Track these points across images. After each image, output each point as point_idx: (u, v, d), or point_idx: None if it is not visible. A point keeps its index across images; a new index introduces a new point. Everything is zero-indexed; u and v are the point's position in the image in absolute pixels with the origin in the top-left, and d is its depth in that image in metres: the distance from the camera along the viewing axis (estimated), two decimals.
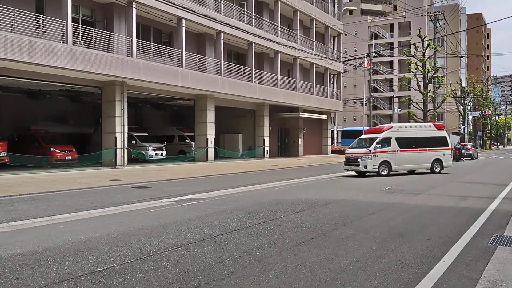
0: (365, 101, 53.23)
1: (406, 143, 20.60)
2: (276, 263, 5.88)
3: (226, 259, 6.01)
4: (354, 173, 20.84)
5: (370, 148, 20.05)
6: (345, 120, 73.05)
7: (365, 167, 19.90)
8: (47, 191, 13.51)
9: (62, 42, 19.46)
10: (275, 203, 11.45)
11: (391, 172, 20.27)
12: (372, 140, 20.56)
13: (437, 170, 21.36)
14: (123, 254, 6.27)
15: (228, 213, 9.78)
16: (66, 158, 22.68)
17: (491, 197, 13.02)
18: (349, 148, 22.12)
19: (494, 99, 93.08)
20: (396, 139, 20.39)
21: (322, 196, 13.10)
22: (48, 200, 11.83)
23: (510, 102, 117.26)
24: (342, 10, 47.38)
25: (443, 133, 21.91)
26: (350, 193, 14.01)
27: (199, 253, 6.32)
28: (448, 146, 21.79)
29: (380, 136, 20.43)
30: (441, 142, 21.63)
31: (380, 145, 20.14)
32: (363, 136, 21.88)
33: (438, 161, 21.38)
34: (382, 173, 19.98)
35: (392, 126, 21.38)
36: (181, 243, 6.90)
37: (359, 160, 20.02)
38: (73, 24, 20.24)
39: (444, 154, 21.53)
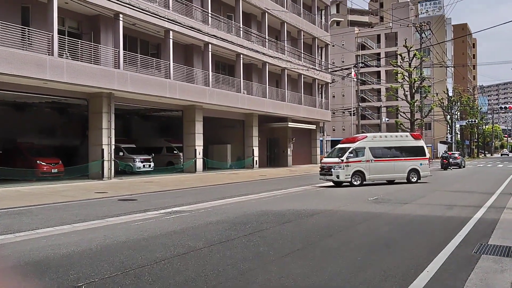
0: (353, 111, 53.54)
1: (380, 152, 20.49)
2: (259, 276, 5.83)
3: (209, 273, 5.94)
4: (410, 180, 21.02)
5: (342, 158, 19.96)
6: (334, 130, 73.32)
7: (338, 176, 19.78)
8: (31, 205, 13.32)
9: (48, 54, 19.35)
10: (262, 214, 11.41)
11: (364, 182, 20.02)
12: (347, 149, 20.47)
13: (414, 179, 20.95)
14: (105, 268, 6.18)
15: (213, 225, 9.72)
16: (52, 170, 22.44)
17: (477, 206, 13.09)
18: (324, 157, 22.13)
19: (480, 108, 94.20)
20: (370, 148, 20.27)
21: (309, 206, 13.08)
22: (32, 213, 11.66)
23: (497, 111, 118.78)
24: (329, 22, 47.86)
25: (420, 143, 21.65)
26: (337, 203, 14.01)
27: (182, 267, 6.25)
28: (425, 155, 21.46)
29: (353, 146, 20.35)
30: (418, 152, 21.32)
31: (352, 154, 19.99)
32: (339, 145, 21.43)
33: (414, 171, 21.04)
34: (355, 183, 19.78)
35: (367, 136, 21.18)
36: (164, 257, 6.82)
37: (332, 170, 19.96)
38: (59, 36, 20.16)
39: (421, 164, 21.19)
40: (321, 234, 8.64)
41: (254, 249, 7.33)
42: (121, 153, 27.05)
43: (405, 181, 21.05)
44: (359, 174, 19.94)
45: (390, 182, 21.34)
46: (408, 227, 9.66)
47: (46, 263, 6.52)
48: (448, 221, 10.48)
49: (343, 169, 19.75)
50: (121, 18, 22.61)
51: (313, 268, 6.21)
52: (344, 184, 20.34)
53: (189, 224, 9.97)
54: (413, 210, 12.33)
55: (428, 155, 21.60)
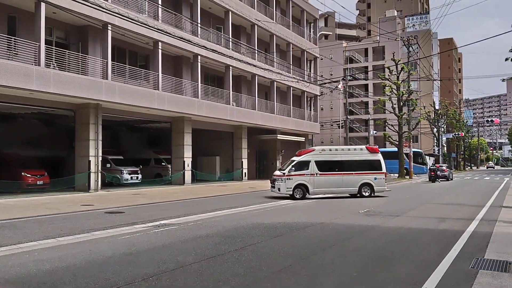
0: (342, 123, 53.68)
1: (328, 166, 19.98)
2: None
3: None
4: (332, 195, 20.62)
5: (284, 171, 19.95)
6: (322, 142, 73.34)
7: (279, 189, 19.77)
8: (14, 218, 12.91)
9: (35, 64, 19.02)
10: (253, 227, 11.16)
11: (307, 196, 19.75)
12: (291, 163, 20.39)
13: (366, 194, 20.15)
14: (89, 286, 5.90)
15: (203, 239, 9.45)
16: (38, 182, 21.95)
17: (469, 219, 13.01)
18: (278, 170, 21.68)
19: (466, 121, 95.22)
20: (316, 162, 19.89)
21: (301, 219, 12.87)
22: (15, 227, 11.28)
23: (482, 124, 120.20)
24: (318, 35, 48.12)
25: (376, 156, 20.64)
26: (329, 216, 13.82)
27: (171, 284, 5.99)
28: (381, 170, 20.45)
29: (297, 159, 20.24)
30: (373, 166, 20.42)
31: (294, 168, 19.82)
32: (292, 158, 20.93)
33: (367, 185, 20.23)
34: (297, 196, 19.50)
35: (314, 149, 20.83)
36: (152, 273, 6.55)
37: (275, 182, 19.98)
38: (46, 46, 19.85)
39: (375, 178, 20.29)
40: (314, 248, 8.43)
41: (246, 264, 7.09)
42: (108, 165, 26.62)
43: (358, 195, 20.28)
44: (301, 187, 19.68)
45: (353, 195, 20.53)
46: (402, 240, 9.50)
47: (28, 280, 6.22)
48: (442, 235, 10.34)
49: (284, 182, 19.66)
50: (109, 29, 22.37)
51: (307, 284, 6.00)
52: (334, 197, 20.16)
53: (178, 238, 9.69)
54: (406, 223, 12.18)
55: (384, 170, 20.54)
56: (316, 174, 19.79)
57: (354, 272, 6.67)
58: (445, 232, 10.65)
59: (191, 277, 6.32)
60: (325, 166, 19.95)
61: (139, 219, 12.71)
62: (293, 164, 20.11)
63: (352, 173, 20.12)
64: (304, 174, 19.74)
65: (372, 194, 20.41)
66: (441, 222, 12.47)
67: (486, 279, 6.36)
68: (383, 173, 20.51)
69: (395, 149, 43.51)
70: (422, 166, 52.36)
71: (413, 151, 54.45)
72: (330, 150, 20.98)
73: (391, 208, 16.34)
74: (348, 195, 20.65)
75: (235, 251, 8.17)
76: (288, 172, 19.79)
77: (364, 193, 20.23)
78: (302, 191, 19.69)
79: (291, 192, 19.57)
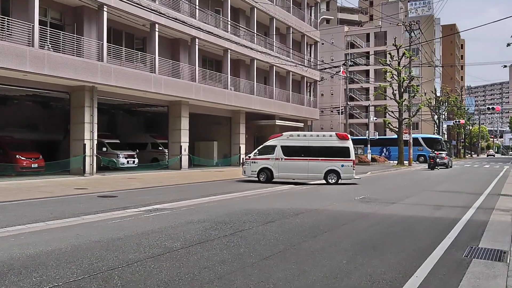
0: (342, 109, 53.35)
1: (294, 151, 20.06)
2: (237, 280, 5.43)
3: (183, 276, 5.54)
4: (320, 181, 20.43)
5: (250, 155, 20.94)
6: (322, 128, 73.09)
7: (245, 172, 20.78)
8: (6, 201, 12.75)
9: (28, 45, 18.71)
10: (245, 213, 11.00)
11: (273, 180, 20.11)
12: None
13: (332, 181, 19.83)
14: (72, 271, 5.73)
15: (194, 224, 9.29)
16: (32, 165, 21.80)
17: (466, 207, 12.85)
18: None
19: (468, 109, 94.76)
20: (282, 147, 20.13)
21: (295, 205, 12.71)
22: (5, 210, 11.12)
23: (483, 112, 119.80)
24: (319, 19, 47.53)
25: (345, 143, 20.01)
26: (324, 202, 13.66)
27: (155, 269, 5.82)
28: (350, 157, 19.86)
29: (266, 143, 20.87)
30: (341, 153, 19.88)
31: (260, 152, 20.59)
32: (266, 142, 21.44)
33: (334, 172, 19.85)
34: (261, 179, 20.16)
35: (282, 135, 20.85)
36: (138, 258, 6.39)
37: (243, 165, 20.95)
38: (41, 27, 19.53)
39: (342, 166, 19.77)
40: (305, 235, 8.26)
41: (234, 251, 6.93)
42: (104, 149, 26.44)
43: (324, 181, 20.07)
44: (265, 171, 20.21)
45: (329, 182, 20.07)
46: (395, 228, 9.34)
47: (9, 264, 6.05)
48: (437, 222, 10.19)
49: (250, 165, 20.57)
50: (105, 10, 22.00)
51: (296, 272, 5.84)
52: (331, 183, 20.02)
53: (169, 223, 9.53)
54: (401, 210, 12.03)
55: (352, 157, 19.96)
56: (281, 158, 20.06)
57: (344, 260, 6.51)
58: (440, 220, 10.50)
59: (177, 263, 6.16)
60: (291, 151, 20.10)
61: (132, 204, 12.55)
62: (259, 148, 20.98)
63: (318, 159, 19.89)
64: (269, 158, 20.22)
65: (340, 181, 19.98)
66: (437, 209, 12.32)
67: (479, 268, 6.20)
68: (351, 160, 19.83)
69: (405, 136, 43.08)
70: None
71: (431, 137, 53.85)
72: (299, 135, 20.97)
73: (387, 195, 16.20)
74: (347, 181, 20.43)
75: (225, 237, 8.01)
76: (254, 155, 20.62)
77: (330, 180, 19.89)
78: (266, 175, 20.19)
79: (256, 176, 20.28)
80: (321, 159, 19.87)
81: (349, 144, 19.98)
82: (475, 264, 6.46)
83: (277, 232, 8.49)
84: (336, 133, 20.84)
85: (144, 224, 9.42)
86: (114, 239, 7.74)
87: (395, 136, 43.88)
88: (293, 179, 20.48)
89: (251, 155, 20.91)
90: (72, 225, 9.30)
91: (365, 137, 47.81)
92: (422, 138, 52.47)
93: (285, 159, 20.03)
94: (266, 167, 20.21)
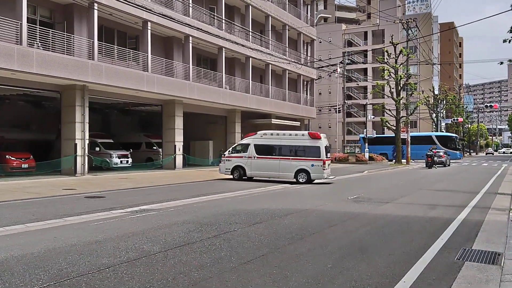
0: (338, 108, 53.05)
1: (266, 150, 20.31)
2: (212, 287, 5.09)
3: (156, 283, 5.20)
4: (321, 180, 20.11)
5: (225, 153, 21.75)
6: (320, 127, 72.77)
7: (220, 170, 21.56)
8: None
9: (16, 43, 18.35)
10: (233, 214, 10.67)
11: (244, 178, 20.64)
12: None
13: (303, 180, 19.42)
14: (38, 277, 5.39)
15: (178, 226, 8.96)
16: (23, 166, 21.45)
17: (461, 206, 12.54)
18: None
19: (466, 107, 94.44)
20: (255, 145, 20.48)
21: (285, 205, 12.38)
22: None
23: (482, 110, 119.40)
24: (315, 17, 47.14)
25: (316, 143, 19.50)
26: (316, 202, 13.33)
27: (127, 275, 5.49)
28: (320, 157, 19.26)
29: (239, 142, 21.85)
30: (311, 152, 19.48)
31: (234, 150, 21.25)
32: (241, 141, 22.07)
33: (304, 171, 19.47)
34: (235, 176, 20.75)
35: (256, 133, 21.14)
36: (111, 263, 6.05)
37: (220, 163, 21.78)
38: (30, 25, 19.18)
39: (312, 165, 19.28)
40: (292, 237, 7.92)
41: (215, 254, 6.59)
42: (97, 148, 26.13)
43: (294, 180, 19.72)
44: (239, 169, 20.77)
45: (311, 182, 19.76)
46: (386, 229, 9.01)
47: None
48: (430, 223, 9.86)
49: (224, 163, 21.30)
50: (95, 7, 21.63)
51: (276, 277, 5.50)
52: (325, 183, 19.70)
53: (153, 224, 9.20)
54: (394, 210, 11.70)
55: (323, 157, 19.25)
56: (254, 157, 20.43)
57: (330, 263, 6.18)
58: (434, 220, 10.17)
59: (151, 268, 5.82)
60: (263, 150, 20.41)
61: (119, 204, 12.22)
62: (233, 146, 21.73)
63: (289, 158, 19.81)
64: (242, 157, 20.73)
65: (312, 181, 19.67)
66: (431, 209, 11.99)
67: (472, 272, 5.87)
68: (321, 160, 19.31)
69: (401, 135, 42.57)
70: (455, 152, 48.90)
71: (446, 135, 52.58)
72: (272, 134, 20.95)
73: (382, 194, 15.88)
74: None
75: (208, 239, 7.67)
76: (228, 154, 21.32)
77: (300, 179, 19.56)
78: (239, 172, 20.76)
79: (230, 173, 20.94)
80: (291, 158, 19.81)
81: (320, 143, 19.58)
82: (467, 267, 6.13)
83: (263, 234, 8.15)
84: (308, 132, 20.54)
85: (127, 226, 9.08)
86: (91, 242, 7.40)
87: (412, 134, 42.69)
88: (265, 178, 20.60)
89: (226, 153, 21.53)
90: (51, 227, 8.96)
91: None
92: (436, 136, 50.97)
93: (257, 157, 20.37)
94: (239, 165, 20.73)
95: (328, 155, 20.02)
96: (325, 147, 19.79)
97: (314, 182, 19.90)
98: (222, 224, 9.18)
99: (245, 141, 21.21)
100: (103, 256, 6.42)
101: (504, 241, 7.75)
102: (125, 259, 6.25)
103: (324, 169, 19.33)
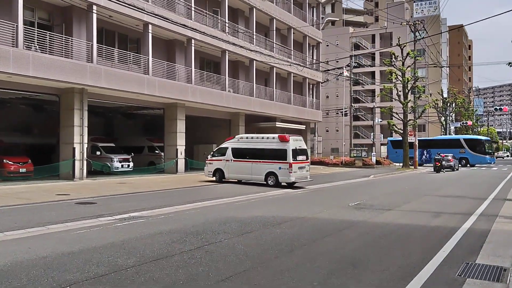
0: (345, 111, 52.37)
1: (241, 153, 20.79)
2: None
3: None
4: (318, 186, 20.01)
5: (208, 156, 22.42)
6: (327, 131, 72.12)
7: (205, 173, 22.23)
8: None
9: (12, 46, 18.02)
10: (224, 222, 10.14)
11: (223, 179, 21.24)
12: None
13: (272, 183, 19.39)
14: None
15: (162, 236, 8.44)
16: (20, 170, 21.08)
17: (467, 214, 11.90)
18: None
19: (476, 110, 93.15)
20: (232, 149, 21.05)
21: (281, 213, 11.81)
22: None
23: (492, 113, 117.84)
24: (321, 20, 46.58)
25: (284, 146, 19.28)
26: (314, 209, 12.75)
27: None
28: (286, 160, 19.03)
29: (220, 146, 22.23)
30: (279, 155, 19.36)
31: (215, 154, 21.92)
32: (221, 144, 22.44)
33: (272, 174, 19.44)
34: (216, 179, 21.45)
35: (234, 137, 22.00)
36: (75, 279, 5.55)
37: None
38: (27, 28, 18.85)
39: (280, 168, 19.17)
40: (281, 250, 7.37)
41: (192, 270, 6.06)
42: (98, 153, 25.76)
43: (264, 182, 19.70)
44: (219, 171, 21.42)
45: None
46: (385, 239, 8.42)
47: None
48: (432, 232, 9.25)
49: (207, 166, 22.04)
50: (94, 10, 21.27)
51: None
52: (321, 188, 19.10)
53: (136, 234, 8.70)
54: (395, 218, 11.08)
55: (289, 160, 18.93)
56: (231, 160, 21.01)
57: (315, 281, 5.62)
58: (437, 230, 9.55)
59: (118, 286, 5.31)
60: (239, 153, 20.88)
61: (108, 211, 11.75)
62: (215, 150, 22.39)
63: (260, 161, 20.10)
64: (221, 160, 21.36)
65: (278, 184, 19.41)
66: (435, 217, 11.36)
67: None
68: (287, 163, 19.02)
69: (410, 138, 41.64)
70: (484, 156, 46.20)
71: (475, 138, 50.67)
72: (247, 138, 21.35)
73: (384, 200, 15.24)
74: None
75: (189, 251, 7.15)
76: (211, 157, 22.00)
77: (269, 182, 19.59)
78: (219, 175, 21.39)
79: (212, 175, 21.66)
80: (262, 161, 20.06)
81: (288, 146, 19.25)
82: (468, 285, 5.56)
83: (250, 246, 7.61)
84: (278, 136, 20.16)
85: (109, 235, 8.59)
86: (64, 254, 6.92)
87: (438, 137, 41.53)
88: (243, 180, 21.03)
89: (209, 156, 22.20)
90: (30, 236, 8.51)
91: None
92: (464, 139, 49.27)
93: (233, 160, 20.92)
94: (219, 168, 21.37)
95: (300, 158, 19.61)
96: (296, 149, 19.49)
97: (313, 186, 19.31)
98: (209, 233, 8.66)
99: (225, 144, 21.73)
100: (70, 271, 5.93)
101: (511, 254, 7.14)
102: (92, 275, 5.75)
103: (290, 172, 19.02)
